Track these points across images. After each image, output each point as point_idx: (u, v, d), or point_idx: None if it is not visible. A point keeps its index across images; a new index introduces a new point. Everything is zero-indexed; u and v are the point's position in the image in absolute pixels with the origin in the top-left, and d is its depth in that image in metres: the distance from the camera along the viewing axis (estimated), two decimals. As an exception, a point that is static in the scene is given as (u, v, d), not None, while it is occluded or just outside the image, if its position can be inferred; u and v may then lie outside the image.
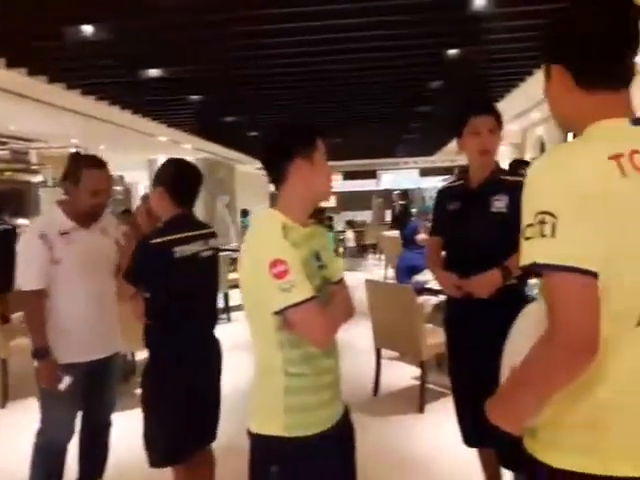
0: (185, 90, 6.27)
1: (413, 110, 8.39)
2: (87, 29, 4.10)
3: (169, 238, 2.00)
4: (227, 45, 4.84)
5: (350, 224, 13.90)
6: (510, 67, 5.97)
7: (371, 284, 4.14)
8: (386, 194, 18.63)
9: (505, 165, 3.03)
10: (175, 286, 2.02)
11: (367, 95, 7.30)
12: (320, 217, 12.66)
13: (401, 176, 18.26)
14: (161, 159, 2.30)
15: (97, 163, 2.27)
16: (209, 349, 2.17)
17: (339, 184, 18.35)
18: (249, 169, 14.86)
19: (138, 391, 2.12)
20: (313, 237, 1.53)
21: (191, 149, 11.54)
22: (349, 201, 18.80)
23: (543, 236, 0.91)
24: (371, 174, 18.40)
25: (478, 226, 2.13)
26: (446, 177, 12.32)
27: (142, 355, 2.19)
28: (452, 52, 5.12)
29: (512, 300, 1.77)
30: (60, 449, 2.34)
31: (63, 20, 4.01)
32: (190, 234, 2.07)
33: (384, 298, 3.98)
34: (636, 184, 0.93)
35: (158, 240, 1.99)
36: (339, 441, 1.51)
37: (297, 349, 1.42)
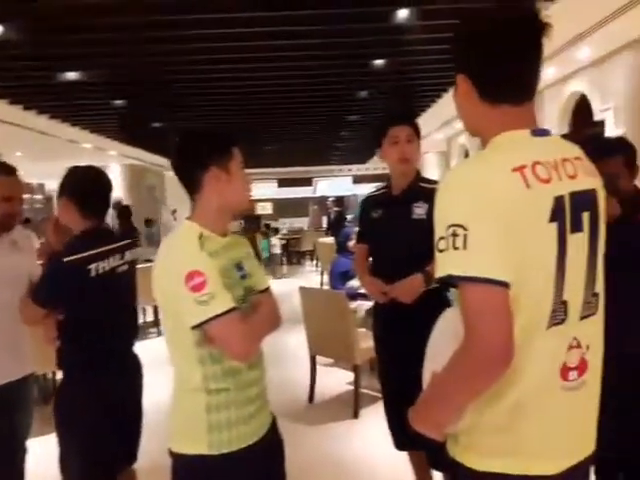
0: (107, 94, 6.03)
1: (343, 119, 8.53)
2: (-4, 28, 3.85)
3: (83, 255, 1.85)
4: (147, 49, 4.70)
5: (276, 231, 13.80)
6: (434, 77, 6.20)
7: (305, 291, 4.12)
8: (322, 201, 18.79)
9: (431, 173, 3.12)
10: (91, 306, 1.90)
11: (298, 104, 7.34)
12: (256, 224, 12.58)
13: (336, 183, 18.52)
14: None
15: (6, 169, 2.15)
16: (127, 366, 2.06)
17: (275, 191, 18.31)
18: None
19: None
20: (234, 246, 1.49)
21: (117, 155, 11.10)
22: (286, 208, 18.80)
23: (456, 249, 0.92)
24: (307, 181, 18.52)
25: (400, 233, 2.17)
26: (378, 184, 12.61)
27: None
28: (378, 62, 5.25)
29: (436, 304, 1.81)
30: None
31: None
32: (105, 249, 1.94)
33: (318, 305, 3.98)
34: (539, 195, 0.95)
35: (71, 258, 1.83)
36: (266, 453, 1.48)
37: (219, 364, 1.37)
